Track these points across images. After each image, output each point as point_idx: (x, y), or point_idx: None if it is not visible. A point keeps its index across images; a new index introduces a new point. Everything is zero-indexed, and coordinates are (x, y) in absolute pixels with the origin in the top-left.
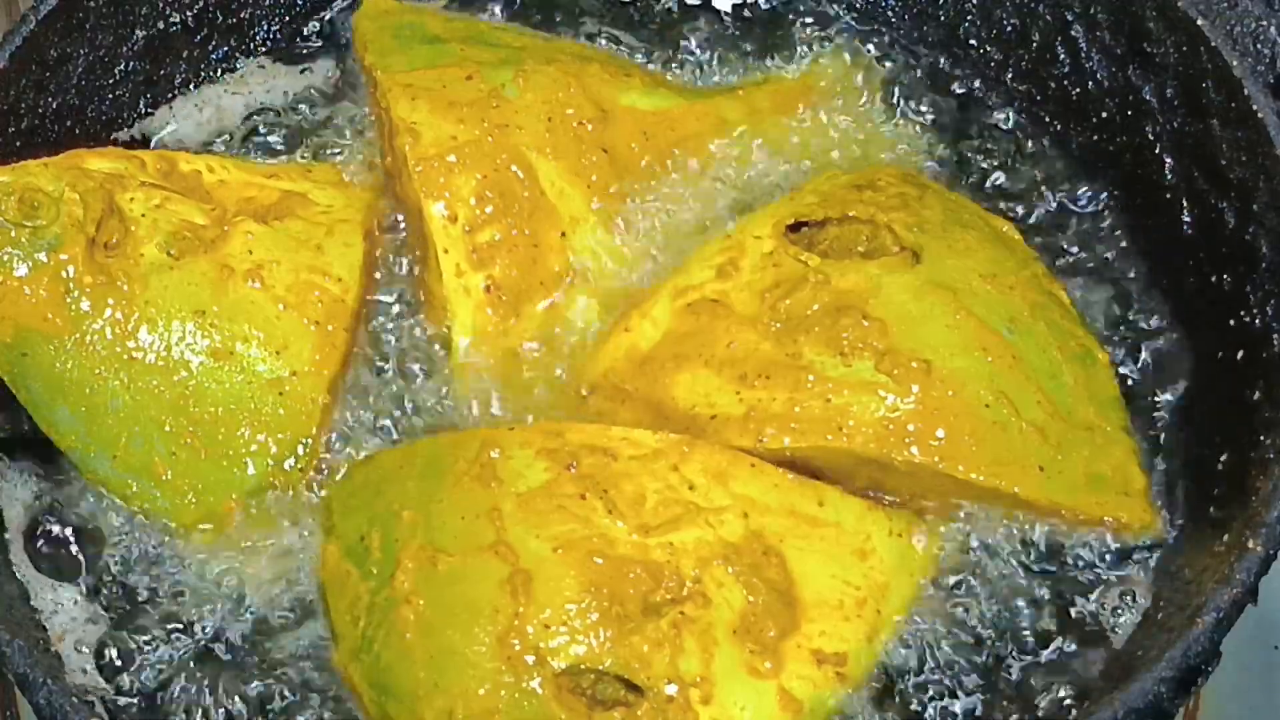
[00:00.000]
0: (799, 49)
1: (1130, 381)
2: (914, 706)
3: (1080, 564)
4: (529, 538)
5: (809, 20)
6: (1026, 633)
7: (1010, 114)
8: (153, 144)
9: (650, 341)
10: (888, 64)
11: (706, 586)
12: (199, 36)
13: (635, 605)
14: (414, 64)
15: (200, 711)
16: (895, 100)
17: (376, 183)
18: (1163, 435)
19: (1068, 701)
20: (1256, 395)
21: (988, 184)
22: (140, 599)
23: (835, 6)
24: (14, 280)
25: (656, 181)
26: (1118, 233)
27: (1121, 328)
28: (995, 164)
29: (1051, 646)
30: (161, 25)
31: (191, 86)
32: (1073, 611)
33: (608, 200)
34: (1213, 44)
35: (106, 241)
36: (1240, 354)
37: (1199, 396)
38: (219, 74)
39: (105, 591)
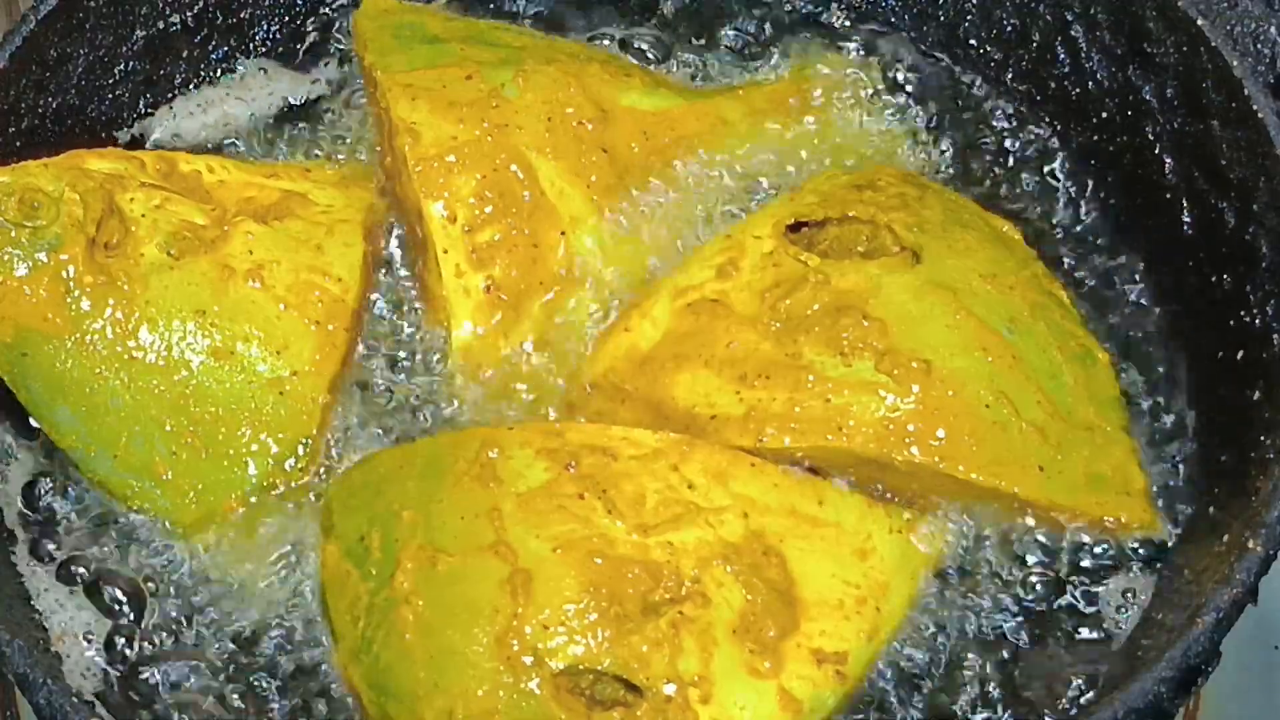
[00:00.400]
0: (799, 49)
1: (1130, 382)
2: (914, 706)
3: (1080, 564)
4: (529, 538)
5: (809, 20)
6: (1026, 633)
7: (1010, 114)
8: (152, 144)
9: (650, 341)
10: (887, 64)
11: (706, 586)
12: (199, 37)
13: (635, 605)
14: (414, 64)
15: (200, 711)
16: (895, 100)
17: (376, 183)
18: (1163, 435)
19: (1068, 701)
20: (1256, 395)
21: (988, 184)
22: (140, 599)
23: (835, 6)
24: (14, 280)
25: (656, 181)
26: (1118, 233)
27: (1121, 328)
28: (995, 164)
29: (1051, 646)
30: (161, 25)
31: (191, 87)
32: (1072, 611)
33: (608, 200)
34: (1213, 44)
35: (107, 242)
36: (1240, 354)
37: (1199, 396)
38: (219, 74)
39: (105, 591)
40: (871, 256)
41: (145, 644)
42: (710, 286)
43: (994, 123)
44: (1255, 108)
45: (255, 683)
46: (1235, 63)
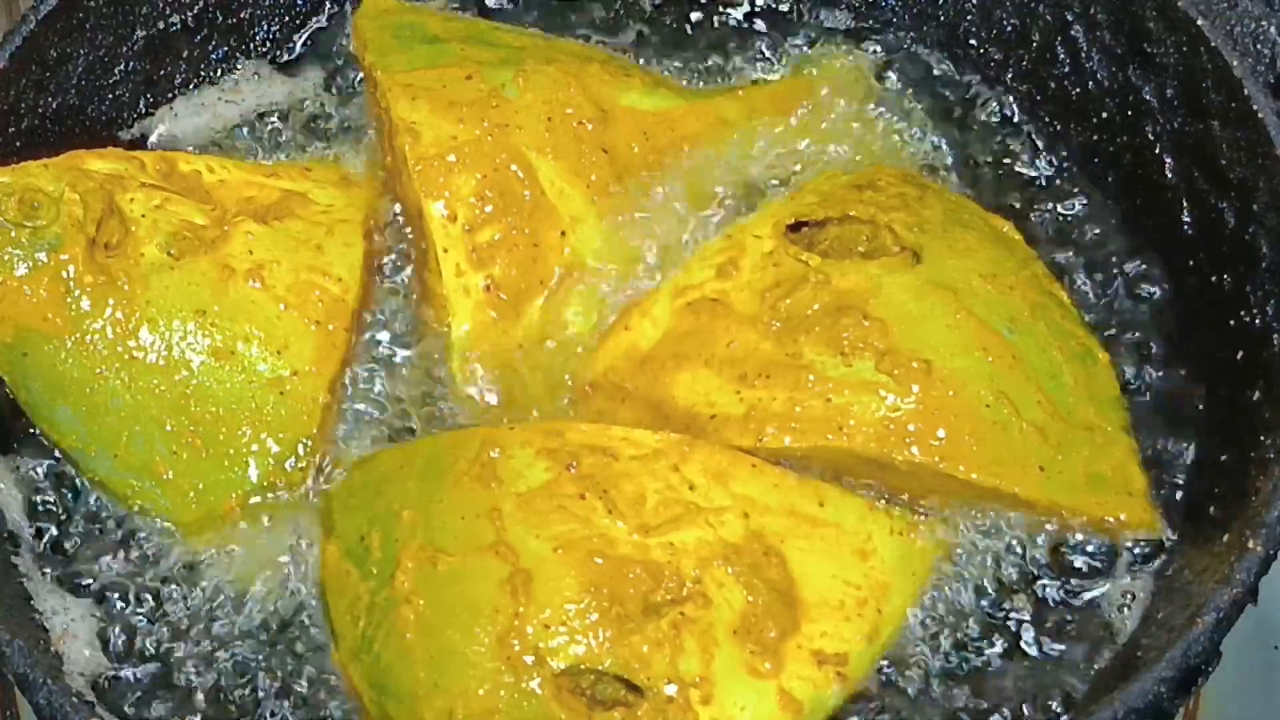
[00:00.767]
0: (799, 49)
1: (1130, 381)
2: (914, 706)
3: (1080, 564)
4: (529, 538)
5: (809, 20)
6: (1026, 633)
7: (1010, 114)
8: (153, 144)
9: (650, 341)
10: (887, 64)
11: (707, 587)
12: (199, 37)
13: (635, 605)
14: (414, 64)
15: (200, 712)
16: (895, 100)
17: (376, 183)
18: (1163, 435)
19: (1068, 701)
20: (1256, 395)
21: (987, 184)
22: (140, 599)
23: (835, 6)
24: (14, 280)
25: (657, 181)
26: (1118, 233)
27: (1121, 327)
28: (995, 164)
29: (1051, 646)
30: (161, 25)
31: (191, 87)
32: (1073, 611)
33: (608, 200)
34: (1213, 44)
35: (107, 242)
36: (1240, 354)
37: (1199, 396)
38: (219, 74)
39: (106, 592)
40: (872, 256)
41: (145, 643)
42: (710, 286)
43: (994, 123)
44: (1255, 108)
45: (255, 682)
46: (1235, 63)
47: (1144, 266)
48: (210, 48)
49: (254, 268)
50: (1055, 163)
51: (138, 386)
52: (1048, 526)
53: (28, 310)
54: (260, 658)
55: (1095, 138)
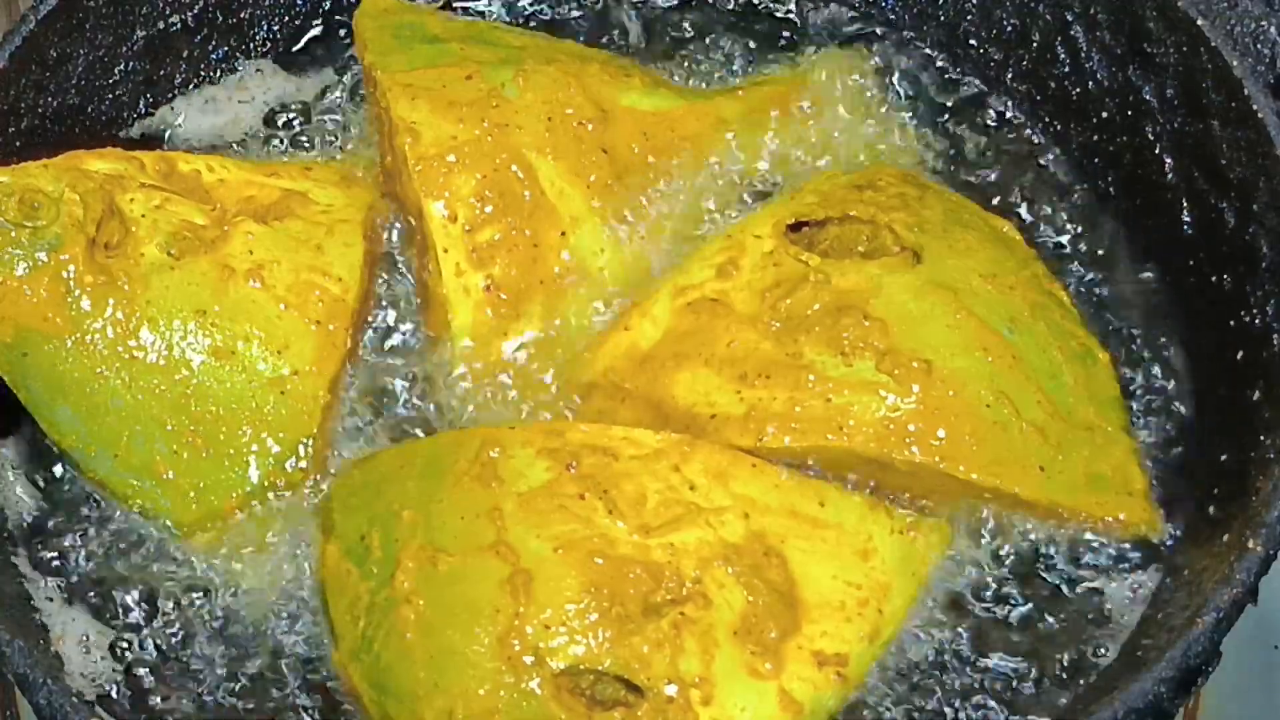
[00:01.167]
0: (798, 49)
1: (1130, 381)
2: (914, 707)
3: (1080, 564)
4: (529, 538)
5: (808, 20)
6: (1026, 632)
7: (1010, 114)
8: (152, 144)
9: (650, 340)
10: (888, 64)
11: (707, 587)
12: (199, 36)
13: (635, 606)
14: (414, 63)
15: (200, 711)
16: (895, 100)
17: (376, 183)
18: (1163, 435)
19: (1068, 701)
20: (1256, 395)
21: (988, 184)
22: (141, 599)
23: (835, 6)
24: (14, 280)
25: (656, 181)
26: (1118, 233)
27: (1121, 328)
28: (995, 164)
29: (1051, 646)
30: (161, 25)
31: (191, 87)
32: (1073, 611)
33: (608, 200)
34: (1213, 44)
35: (107, 242)
36: (1240, 354)
37: (1199, 396)
38: (219, 74)
39: (106, 592)
40: (872, 256)
41: (145, 644)
42: (710, 286)
43: (993, 123)
44: (1255, 108)
45: (255, 682)
46: (1235, 63)
47: (1144, 266)
48: (210, 48)
49: (254, 267)
50: (1055, 163)
51: (138, 386)
52: (1048, 526)
53: (28, 310)
54: (260, 659)
55: (1095, 138)
